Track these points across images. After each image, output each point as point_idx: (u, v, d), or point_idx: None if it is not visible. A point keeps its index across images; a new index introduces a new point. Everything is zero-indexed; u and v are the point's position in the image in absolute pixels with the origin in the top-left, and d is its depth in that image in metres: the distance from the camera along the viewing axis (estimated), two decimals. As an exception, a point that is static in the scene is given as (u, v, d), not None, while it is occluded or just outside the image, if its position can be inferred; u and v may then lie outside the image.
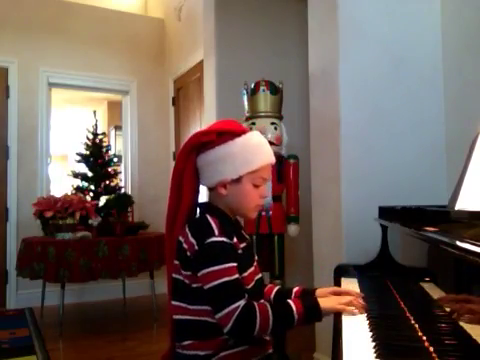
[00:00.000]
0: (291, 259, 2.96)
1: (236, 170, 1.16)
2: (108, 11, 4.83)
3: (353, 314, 1.08)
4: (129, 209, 4.14)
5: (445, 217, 1.27)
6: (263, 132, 2.29)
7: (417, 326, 0.95)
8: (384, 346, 0.83)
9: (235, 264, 1.10)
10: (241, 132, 1.21)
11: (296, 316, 1.09)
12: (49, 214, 3.54)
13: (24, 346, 3.02)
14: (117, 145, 6.25)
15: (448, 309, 1.00)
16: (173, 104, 4.88)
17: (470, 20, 2.31)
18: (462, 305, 0.95)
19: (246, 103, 2.66)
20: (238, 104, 2.73)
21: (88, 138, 4.51)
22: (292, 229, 2.60)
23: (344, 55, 2.27)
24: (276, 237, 2.58)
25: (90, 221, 3.78)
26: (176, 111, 4.82)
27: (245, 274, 1.15)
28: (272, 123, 2.57)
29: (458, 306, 0.96)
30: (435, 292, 1.17)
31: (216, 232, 1.11)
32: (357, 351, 0.85)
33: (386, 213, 1.71)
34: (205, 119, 3.79)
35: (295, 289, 1.29)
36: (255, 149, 1.19)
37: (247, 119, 2.62)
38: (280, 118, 2.64)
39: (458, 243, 0.97)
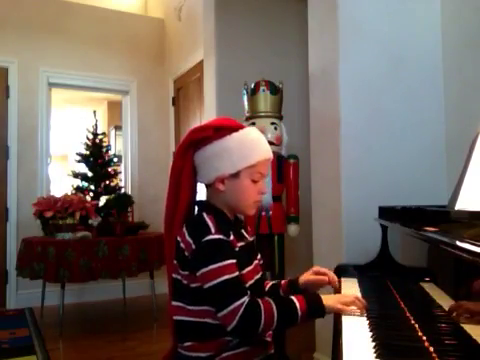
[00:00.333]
0: (291, 259, 2.96)
1: (234, 165, 1.15)
2: (108, 11, 4.83)
3: (354, 314, 1.08)
4: (129, 209, 4.14)
5: (445, 217, 1.28)
6: (263, 132, 2.27)
7: (417, 326, 0.95)
8: (384, 346, 0.83)
9: (234, 261, 1.08)
10: (238, 127, 1.20)
11: (300, 312, 1.08)
12: (49, 214, 3.54)
13: (24, 346, 3.02)
14: (117, 145, 6.25)
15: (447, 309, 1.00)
16: (173, 104, 4.87)
17: (470, 20, 2.31)
18: (460, 304, 0.95)
19: (246, 103, 2.66)
20: (238, 104, 2.74)
21: (88, 138, 4.51)
22: (292, 229, 2.61)
23: (344, 55, 2.27)
24: (276, 237, 2.59)
25: (90, 221, 3.78)
26: (176, 111, 4.82)
27: (242, 272, 1.14)
28: (272, 123, 2.58)
29: (456, 306, 0.96)
30: (435, 292, 1.17)
31: (212, 230, 1.10)
32: (357, 351, 0.85)
33: (386, 213, 1.71)
34: (205, 119, 3.79)
35: (282, 282, 1.31)
36: (253, 144, 1.18)
37: (247, 119, 2.63)
38: (280, 118, 2.64)
39: (458, 243, 0.97)
